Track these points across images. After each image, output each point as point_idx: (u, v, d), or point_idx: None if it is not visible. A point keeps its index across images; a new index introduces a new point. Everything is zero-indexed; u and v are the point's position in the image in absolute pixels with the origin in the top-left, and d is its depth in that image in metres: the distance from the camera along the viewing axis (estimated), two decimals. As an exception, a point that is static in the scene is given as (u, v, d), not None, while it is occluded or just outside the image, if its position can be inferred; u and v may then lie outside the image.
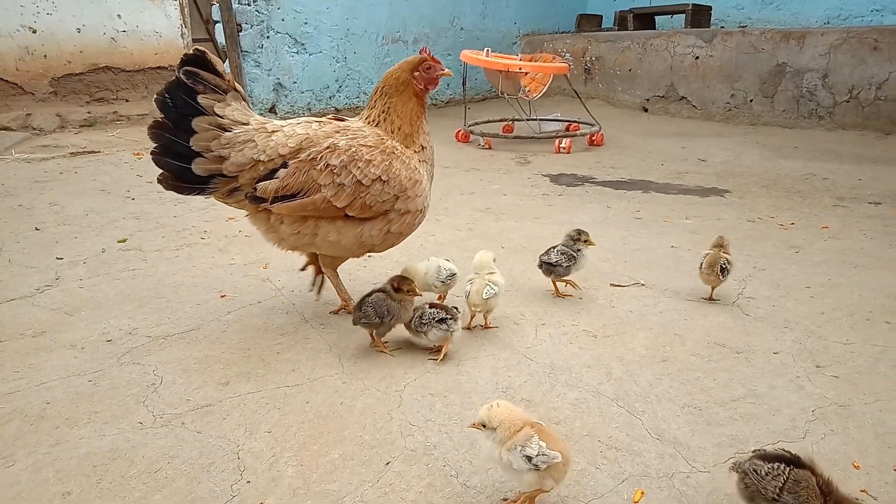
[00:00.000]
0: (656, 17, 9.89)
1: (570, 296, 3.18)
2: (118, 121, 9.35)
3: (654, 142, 7.24)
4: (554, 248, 3.10)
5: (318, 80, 8.63)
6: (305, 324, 2.90)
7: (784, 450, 1.65)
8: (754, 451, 1.70)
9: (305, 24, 8.33)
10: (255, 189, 2.59)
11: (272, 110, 8.28)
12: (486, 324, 2.85)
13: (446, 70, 2.87)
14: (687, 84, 8.54)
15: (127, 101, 9.95)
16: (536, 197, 5.14)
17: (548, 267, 3.08)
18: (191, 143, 2.53)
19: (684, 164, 6.21)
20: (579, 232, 3.07)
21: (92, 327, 2.86)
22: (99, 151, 7.27)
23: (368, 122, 2.82)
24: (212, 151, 2.55)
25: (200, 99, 2.54)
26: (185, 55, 2.56)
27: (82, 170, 6.28)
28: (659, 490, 1.82)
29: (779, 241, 3.95)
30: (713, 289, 3.11)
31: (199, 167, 2.55)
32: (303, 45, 8.37)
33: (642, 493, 1.80)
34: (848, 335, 2.74)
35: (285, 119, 8.46)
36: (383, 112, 2.80)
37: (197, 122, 2.53)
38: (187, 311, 3.04)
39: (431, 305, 2.59)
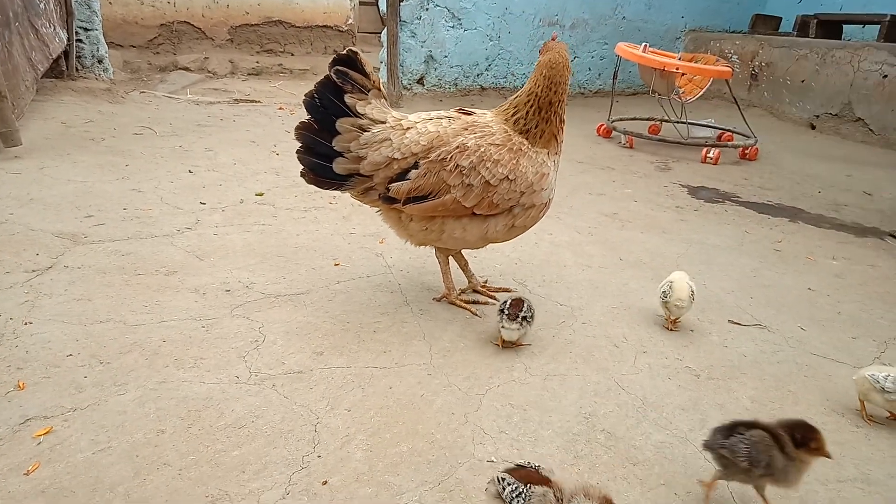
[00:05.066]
0: (844, 26, 8.92)
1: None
2: (281, 73, 9.98)
3: (816, 165, 6.61)
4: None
5: (468, 56, 8.64)
6: (406, 306, 2.96)
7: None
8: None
9: (465, -1, 8.37)
10: (388, 189, 2.66)
11: (420, 81, 8.42)
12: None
13: None
14: (867, 104, 7.67)
15: (292, 54, 10.58)
16: (669, 209, 4.88)
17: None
18: (333, 144, 2.64)
19: (845, 194, 5.62)
20: None
21: (216, 275, 3.08)
22: (259, 101, 7.77)
23: (515, 123, 2.74)
24: (351, 152, 2.65)
25: (347, 98, 2.64)
26: (338, 55, 2.65)
27: (240, 119, 6.74)
28: (729, 563, 1.69)
29: (939, 304, 3.49)
30: None
31: (339, 166, 2.67)
32: (459, 20, 8.40)
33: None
34: None
35: (431, 90, 8.52)
36: (536, 113, 2.71)
37: (341, 123, 2.63)
38: (302, 273, 3.20)
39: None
